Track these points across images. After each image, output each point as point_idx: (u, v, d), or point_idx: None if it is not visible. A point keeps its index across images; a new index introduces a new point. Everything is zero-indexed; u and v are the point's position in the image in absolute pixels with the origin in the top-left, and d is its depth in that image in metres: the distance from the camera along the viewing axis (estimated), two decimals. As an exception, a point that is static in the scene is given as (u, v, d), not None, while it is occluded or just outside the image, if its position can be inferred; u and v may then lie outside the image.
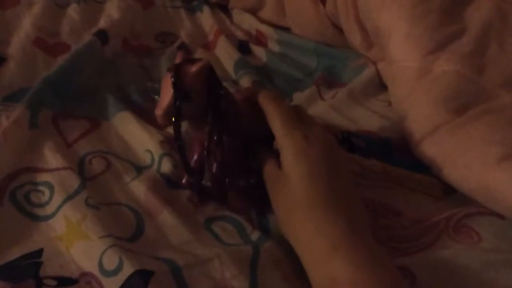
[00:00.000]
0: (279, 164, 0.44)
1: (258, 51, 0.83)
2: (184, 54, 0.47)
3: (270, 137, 0.46)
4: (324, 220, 0.39)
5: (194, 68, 0.43)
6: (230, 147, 0.47)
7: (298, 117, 0.46)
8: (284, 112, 0.46)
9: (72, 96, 0.64)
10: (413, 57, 0.61)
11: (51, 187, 0.50)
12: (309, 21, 0.82)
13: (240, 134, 0.48)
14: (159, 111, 0.44)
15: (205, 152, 0.46)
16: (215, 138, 0.46)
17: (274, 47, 0.84)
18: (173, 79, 0.42)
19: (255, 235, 0.46)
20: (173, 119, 0.43)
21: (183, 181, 0.52)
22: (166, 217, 0.48)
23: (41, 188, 0.51)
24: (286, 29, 0.87)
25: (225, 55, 0.79)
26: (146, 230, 0.47)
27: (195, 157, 0.49)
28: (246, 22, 0.90)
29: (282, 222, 0.44)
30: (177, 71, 0.43)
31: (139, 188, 0.51)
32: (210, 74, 0.44)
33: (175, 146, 0.46)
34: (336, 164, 0.43)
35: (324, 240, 0.38)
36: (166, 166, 0.54)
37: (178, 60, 0.46)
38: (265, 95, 0.48)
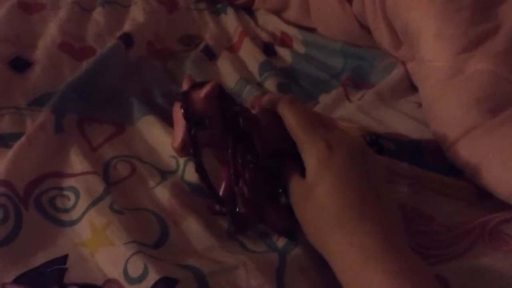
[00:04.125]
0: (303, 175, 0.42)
1: (283, 52, 0.81)
2: (191, 78, 0.44)
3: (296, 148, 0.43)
4: (355, 231, 0.38)
5: (202, 93, 0.41)
6: (258, 167, 0.43)
7: (319, 122, 0.43)
8: (303, 118, 0.43)
9: (97, 100, 0.64)
10: (444, 57, 0.58)
11: (76, 192, 0.50)
12: (335, 21, 0.81)
13: (266, 151, 0.44)
14: (175, 144, 0.41)
15: (233, 176, 0.43)
16: (239, 160, 0.43)
17: (300, 48, 0.82)
18: (182, 109, 0.40)
19: (281, 242, 0.45)
20: (191, 150, 0.41)
21: (217, 208, 0.49)
22: (191, 223, 0.47)
23: (66, 193, 0.51)
24: (312, 30, 0.86)
25: (250, 57, 0.78)
26: (171, 236, 0.47)
27: (223, 184, 0.46)
28: (271, 23, 0.89)
29: (310, 236, 0.42)
30: (186, 99, 0.40)
31: (163, 194, 0.51)
32: (221, 94, 0.42)
33: (199, 176, 0.43)
34: (366, 168, 0.41)
35: (357, 251, 0.37)
36: (191, 173, 0.53)
37: (185, 85, 0.43)
38: (281, 102, 0.45)
